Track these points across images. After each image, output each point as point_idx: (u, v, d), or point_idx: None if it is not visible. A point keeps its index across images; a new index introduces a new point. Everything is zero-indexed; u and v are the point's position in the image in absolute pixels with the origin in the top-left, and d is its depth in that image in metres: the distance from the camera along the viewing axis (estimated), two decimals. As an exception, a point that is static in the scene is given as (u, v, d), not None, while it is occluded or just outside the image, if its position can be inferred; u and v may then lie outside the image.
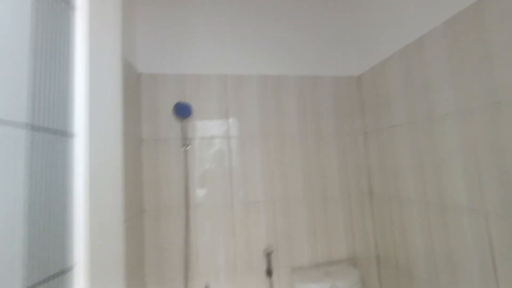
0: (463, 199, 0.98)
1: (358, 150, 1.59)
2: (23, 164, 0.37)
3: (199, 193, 1.40)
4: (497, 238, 0.87)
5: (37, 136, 0.39)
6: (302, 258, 1.46)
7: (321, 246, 1.48)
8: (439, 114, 1.08)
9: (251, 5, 1.58)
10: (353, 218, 1.54)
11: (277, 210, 1.46)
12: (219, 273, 1.37)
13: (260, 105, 1.51)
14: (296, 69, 1.59)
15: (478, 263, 0.94)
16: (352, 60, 1.66)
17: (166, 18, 1.48)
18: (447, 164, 1.05)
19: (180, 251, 1.35)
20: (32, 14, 0.40)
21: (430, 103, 1.12)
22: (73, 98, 0.48)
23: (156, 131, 1.40)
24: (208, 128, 1.45)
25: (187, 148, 1.41)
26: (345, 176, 1.56)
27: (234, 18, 1.55)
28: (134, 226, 1.18)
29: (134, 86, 1.31)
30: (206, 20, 1.52)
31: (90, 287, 0.44)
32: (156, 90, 1.42)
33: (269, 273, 1.39)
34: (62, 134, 0.45)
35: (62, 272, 0.42)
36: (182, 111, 1.40)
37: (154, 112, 1.40)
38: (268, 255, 1.41)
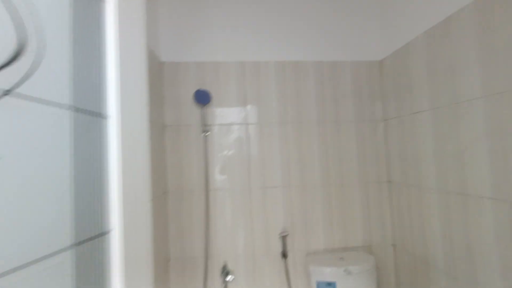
0: (487, 188, 0.95)
1: (378, 137, 1.57)
2: (68, 141, 0.42)
3: (219, 177, 1.47)
4: (521, 228, 0.85)
5: (78, 117, 0.45)
6: (317, 243, 1.49)
7: (337, 232, 1.51)
8: (465, 99, 1.03)
9: (270, -10, 1.57)
10: (370, 206, 1.54)
11: (294, 195, 1.50)
12: (237, 253, 1.45)
13: (278, 92, 1.52)
14: (314, 54, 1.57)
15: (499, 254, 0.92)
16: (373, 44, 1.60)
17: (186, 8, 1.51)
18: (471, 151, 1.01)
19: (200, 231, 1.44)
20: (71, 7, 0.45)
21: (456, 87, 1.07)
22: (106, 83, 0.54)
23: (178, 117, 1.46)
24: (227, 115, 1.49)
25: (206, 134, 1.47)
26: (363, 163, 1.55)
27: (251, 5, 1.55)
28: (159, 205, 1.28)
29: (158, 74, 1.38)
30: (224, 8, 1.53)
31: (124, 248, 0.51)
32: (177, 78, 1.48)
33: (284, 255, 1.44)
34: (98, 115, 0.51)
35: (102, 234, 0.49)
36: (202, 98, 1.45)
37: (176, 99, 1.47)
38: (284, 238, 1.46)
